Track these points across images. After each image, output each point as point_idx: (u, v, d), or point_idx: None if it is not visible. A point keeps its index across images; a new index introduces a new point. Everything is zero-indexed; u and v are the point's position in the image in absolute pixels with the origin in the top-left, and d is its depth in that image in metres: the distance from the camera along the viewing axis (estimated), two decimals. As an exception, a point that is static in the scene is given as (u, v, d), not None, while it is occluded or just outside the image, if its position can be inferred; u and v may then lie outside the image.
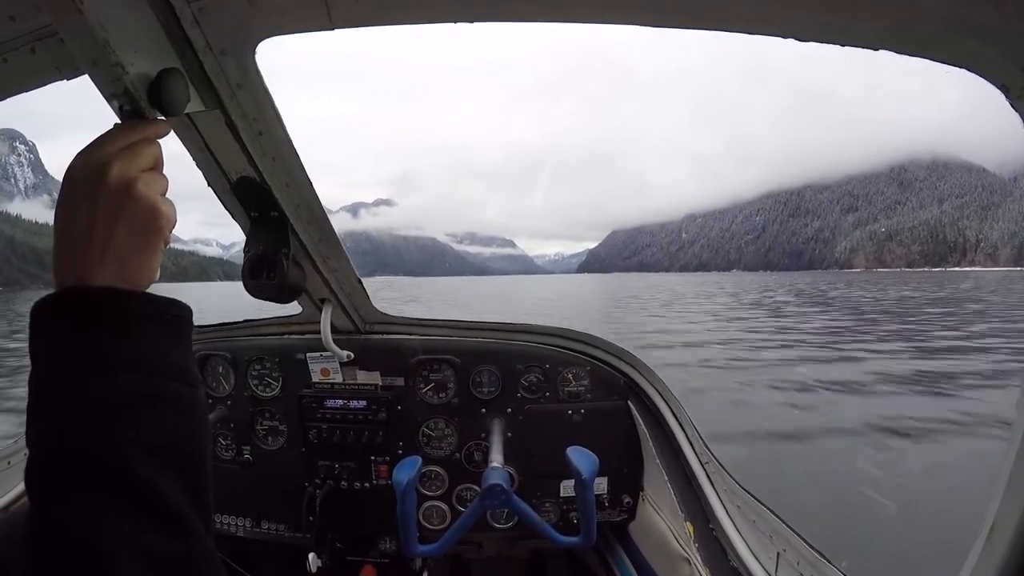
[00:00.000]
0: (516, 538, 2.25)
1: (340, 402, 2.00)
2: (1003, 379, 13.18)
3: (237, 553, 2.27)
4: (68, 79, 0.97)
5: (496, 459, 1.73)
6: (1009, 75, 0.70)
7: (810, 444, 8.29)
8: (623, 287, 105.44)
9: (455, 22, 0.85)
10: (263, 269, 1.37)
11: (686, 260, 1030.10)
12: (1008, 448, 0.74)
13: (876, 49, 0.76)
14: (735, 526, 1.53)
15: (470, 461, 2.01)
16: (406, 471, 1.55)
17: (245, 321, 2.25)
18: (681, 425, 1.87)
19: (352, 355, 1.96)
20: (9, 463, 1.74)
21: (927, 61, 0.76)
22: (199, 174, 1.24)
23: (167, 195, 0.68)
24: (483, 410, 1.99)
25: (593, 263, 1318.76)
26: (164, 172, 0.70)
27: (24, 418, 0.59)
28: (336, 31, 0.87)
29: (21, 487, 1.67)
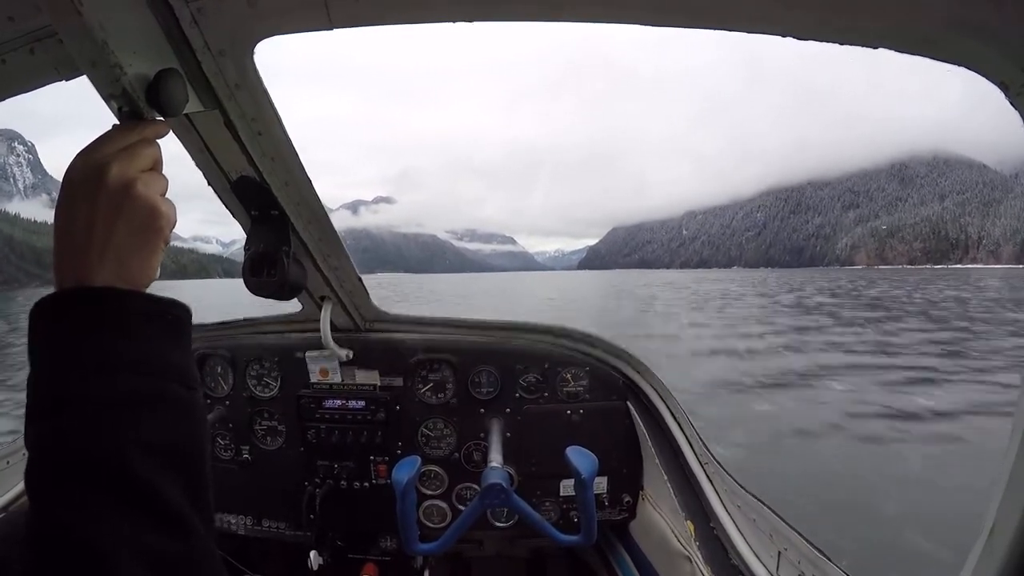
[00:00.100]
0: (517, 537, 2.26)
1: (339, 402, 2.00)
2: None
3: (238, 551, 2.28)
4: (67, 80, 0.97)
5: (495, 459, 1.73)
6: (1008, 73, 0.70)
7: None
8: (634, 284, 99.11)
9: (454, 21, 0.85)
10: (264, 267, 1.38)
11: (687, 257, 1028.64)
12: (1008, 448, 0.74)
13: (876, 48, 0.77)
14: (735, 525, 1.53)
15: (469, 461, 2.01)
16: (405, 470, 1.55)
17: (245, 320, 2.26)
18: (680, 425, 1.87)
19: (351, 354, 1.97)
20: (8, 463, 1.74)
21: (927, 60, 0.76)
22: (199, 173, 1.24)
23: (166, 195, 0.68)
24: (482, 410, 1.99)
25: (594, 260, 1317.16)
26: (163, 172, 0.70)
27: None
28: (335, 31, 0.87)
29: (21, 487, 1.67)
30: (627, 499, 2.02)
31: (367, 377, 2.01)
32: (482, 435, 1.99)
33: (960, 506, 4.51)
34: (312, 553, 1.97)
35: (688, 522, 1.62)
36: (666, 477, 1.77)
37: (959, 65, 0.74)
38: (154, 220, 0.65)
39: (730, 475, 1.60)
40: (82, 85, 0.83)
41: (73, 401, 0.57)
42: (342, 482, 2.03)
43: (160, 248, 0.67)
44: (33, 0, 0.82)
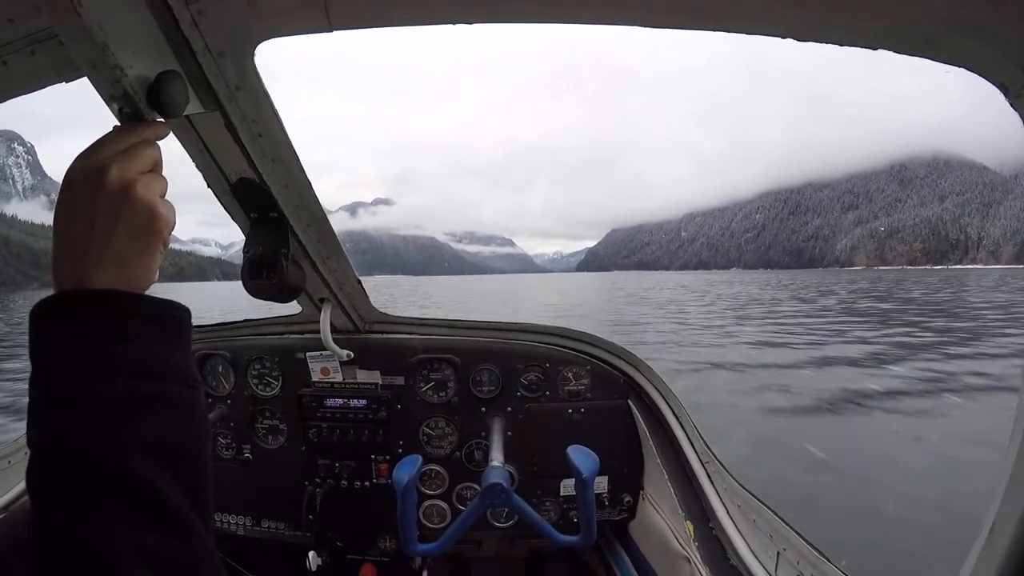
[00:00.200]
0: (516, 537, 2.26)
1: (340, 401, 2.01)
2: None
3: (237, 552, 2.28)
4: (67, 81, 0.97)
5: (496, 458, 1.73)
6: (1008, 74, 0.70)
7: None
8: (643, 287, 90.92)
9: (454, 23, 0.85)
10: (263, 269, 1.38)
11: (686, 258, 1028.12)
12: (1008, 448, 0.74)
13: (875, 49, 0.76)
14: (735, 525, 1.53)
15: (470, 460, 2.01)
16: (406, 470, 1.55)
17: (245, 321, 2.26)
18: (681, 424, 1.87)
19: (352, 354, 1.96)
20: (9, 462, 1.74)
21: (927, 61, 0.75)
22: (198, 174, 1.24)
23: (166, 197, 0.68)
24: (483, 409, 2.00)
25: (592, 262, 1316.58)
26: (163, 173, 0.70)
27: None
28: (334, 32, 0.87)
29: (21, 486, 1.68)
30: (627, 499, 2.02)
31: (368, 376, 2.02)
32: (483, 434, 1.99)
33: None
34: (311, 554, 1.97)
35: (687, 522, 1.62)
36: (667, 476, 1.77)
37: (959, 66, 0.73)
38: (153, 222, 0.65)
39: (731, 474, 1.60)
40: (82, 87, 0.83)
41: (73, 402, 0.57)
42: (343, 481, 2.03)
43: (159, 250, 0.67)
44: (33, 2, 0.82)
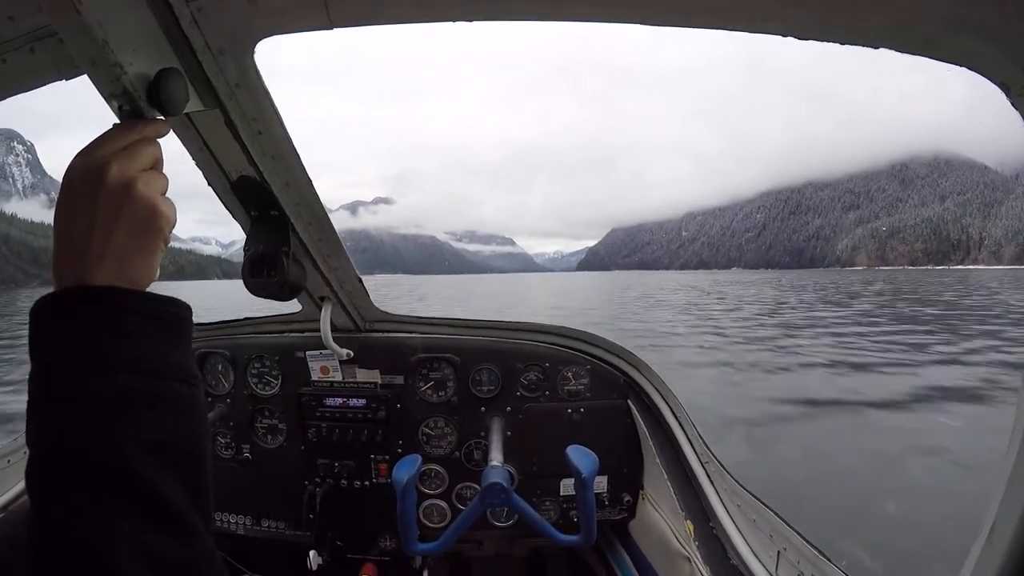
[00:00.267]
0: (516, 536, 2.26)
1: (340, 400, 2.01)
2: None
3: (237, 551, 2.28)
4: (67, 79, 0.97)
5: (496, 457, 1.73)
6: (1009, 74, 0.70)
7: None
8: (647, 286, 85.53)
9: (454, 21, 0.85)
10: (263, 267, 1.37)
11: (686, 258, 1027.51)
12: (1008, 448, 0.74)
13: (876, 47, 0.76)
14: (735, 525, 1.53)
15: (470, 460, 2.02)
16: (406, 469, 1.55)
17: (245, 319, 2.25)
18: (681, 424, 1.87)
19: (352, 353, 1.96)
20: (9, 461, 1.75)
21: (928, 60, 0.76)
22: (198, 172, 1.24)
23: (167, 194, 0.68)
24: (483, 409, 2.00)
25: (593, 261, 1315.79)
26: (164, 171, 0.70)
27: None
28: (334, 30, 0.87)
29: (21, 486, 1.67)
30: (627, 498, 2.02)
31: (368, 375, 2.01)
32: (483, 434, 1.99)
33: None
34: (311, 553, 1.97)
35: (687, 522, 1.62)
36: (666, 476, 1.77)
37: (960, 65, 0.73)
38: (154, 220, 0.65)
39: (731, 474, 1.60)
40: (81, 85, 0.83)
41: (73, 400, 0.57)
42: (342, 481, 2.03)
43: (160, 248, 0.67)
44: (33, 0, 0.81)
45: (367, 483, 2.04)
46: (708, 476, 1.71)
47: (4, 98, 1.04)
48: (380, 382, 2.02)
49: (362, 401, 2.00)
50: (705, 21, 0.81)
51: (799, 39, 0.79)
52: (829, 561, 1.14)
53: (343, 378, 2.02)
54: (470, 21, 0.85)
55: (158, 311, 0.64)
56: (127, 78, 0.70)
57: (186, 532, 0.58)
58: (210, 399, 2.10)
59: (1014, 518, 0.70)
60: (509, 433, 1.96)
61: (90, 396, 0.57)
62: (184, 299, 0.68)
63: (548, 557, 2.56)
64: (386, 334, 2.06)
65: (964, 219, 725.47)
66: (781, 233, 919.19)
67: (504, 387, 1.98)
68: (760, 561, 1.39)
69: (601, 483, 1.98)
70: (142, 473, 0.56)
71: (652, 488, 1.93)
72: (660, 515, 1.82)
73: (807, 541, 1.23)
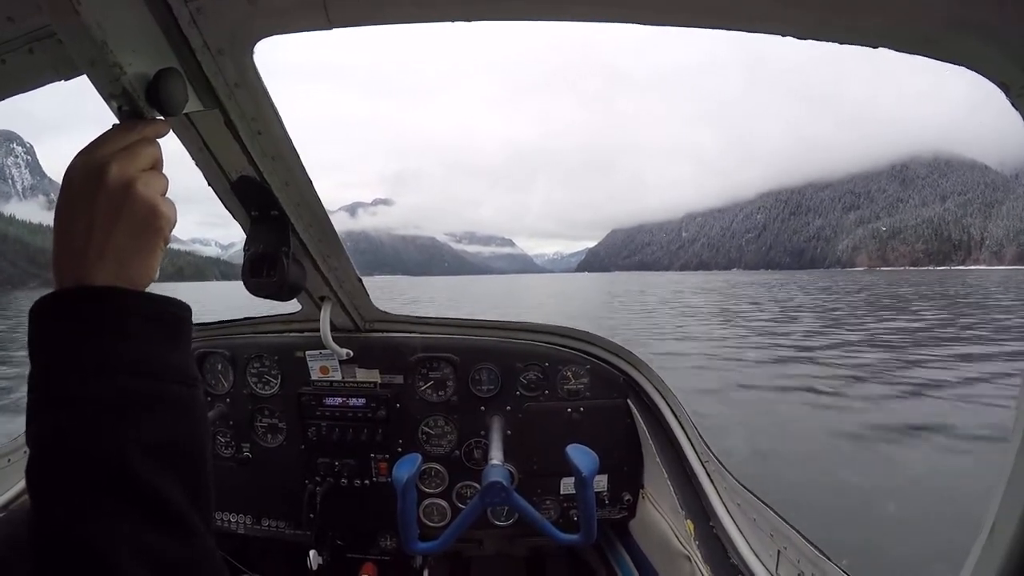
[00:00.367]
0: (516, 536, 2.26)
1: (339, 400, 2.01)
2: None
3: (238, 551, 2.28)
4: (66, 79, 0.97)
5: (496, 456, 1.73)
6: (1009, 74, 0.70)
7: None
8: (655, 287, 79.37)
9: (453, 21, 0.85)
10: (263, 267, 1.37)
11: (687, 259, 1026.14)
12: (1008, 448, 0.74)
13: (876, 47, 0.76)
14: (735, 524, 1.53)
15: (470, 459, 2.02)
16: (406, 468, 1.55)
17: (244, 319, 2.25)
18: (680, 423, 1.87)
19: (351, 353, 1.96)
20: (9, 460, 1.75)
21: (928, 60, 0.76)
22: (197, 174, 1.24)
23: (167, 195, 0.68)
24: (482, 408, 2.00)
25: (593, 262, 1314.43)
26: (163, 172, 0.70)
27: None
28: (333, 30, 0.87)
29: (21, 485, 1.68)
30: (627, 497, 2.02)
31: (368, 375, 2.02)
32: (483, 433, 1.99)
33: None
34: (311, 552, 1.97)
35: (688, 521, 1.62)
36: (666, 475, 1.77)
37: (959, 65, 0.73)
38: (154, 220, 0.65)
39: (731, 473, 1.60)
40: (80, 87, 0.83)
41: (73, 402, 0.57)
42: (343, 480, 2.03)
43: (160, 248, 0.67)
44: (33, 0, 0.82)
45: (367, 482, 2.04)
46: (708, 475, 1.71)
47: (3, 98, 1.04)
48: (380, 382, 2.02)
49: (362, 400, 2.00)
50: (704, 21, 0.81)
51: (798, 39, 0.79)
52: (829, 560, 1.14)
53: (343, 378, 2.02)
54: (469, 21, 0.85)
55: (157, 312, 0.64)
56: (126, 78, 0.70)
57: (186, 532, 0.59)
58: (209, 399, 2.10)
59: (1014, 518, 0.70)
60: (509, 432, 1.96)
61: (90, 398, 0.57)
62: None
63: (548, 556, 2.56)
64: (386, 334, 2.06)
65: (965, 219, 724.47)
66: (781, 234, 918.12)
67: (504, 386, 1.98)
68: (760, 560, 1.39)
69: (601, 482, 1.98)
70: (142, 475, 0.57)
71: (652, 487, 1.93)
72: (660, 514, 1.83)
73: (807, 540, 1.22)
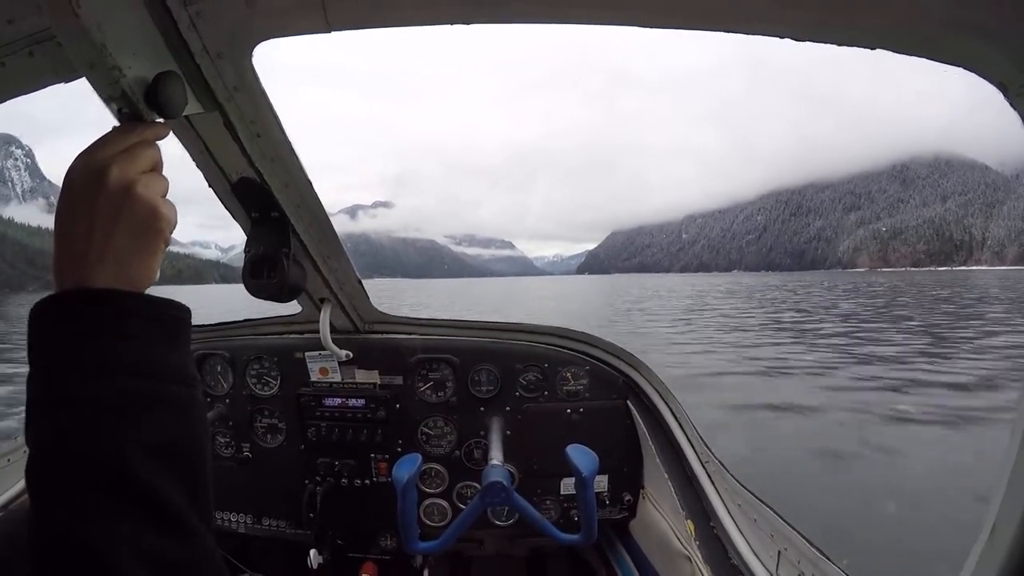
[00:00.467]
0: (517, 536, 2.26)
1: (339, 401, 2.01)
2: None
3: (238, 550, 2.28)
4: (66, 82, 0.97)
5: (496, 457, 1.73)
6: (1008, 74, 0.70)
7: None
8: (687, 293, 70.77)
9: (452, 24, 0.85)
10: (264, 269, 1.38)
11: (687, 261, 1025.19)
12: (1008, 448, 0.74)
13: (874, 49, 0.77)
14: (736, 524, 1.54)
15: (470, 459, 2.02)
16: (406, 468, 1.55)
17: (244, 320, 2.25)
18: (680, 425, 1.87)
19: (351, 354, 1.97)
20: (9, 460, 1.75)
21: (926, 61, 0.76)
22: (197, 176, 1.24)
23: (167, 196, 0.68)
24: (482, 409, 2.00)
25: (593, 264, 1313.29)
26: (165, 175, 0.70)
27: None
28: (332, 33, 0.87)
29: (21, 485, 1.67)
30: (627, 498, 2.02)
31: (367, 376, 2.02)
32: (482, 433, 2.00)
33: None
34: (312, 552, 1.98)
35: (688, 521, 1.62)
36: (667, 476, 1.77)
37: (958, 66, 0.73)
38: (154, 221, 0.65)
39: (731, 474, 1.60)
40: (80, 90, 0.83)
41: (73, 403, 0.57)
42: (343, 480, 2.04)
43: (160, 249, 0.67)
44: (32, 2, 0.82)
45: (367, 482, 2.05)
46: (708, 476, 1.72)
47: (3, 101, 1.04)
48: (379, 383, 2.02)
49: (361, 401, 2.01)
50: (703, 23, 0.81)
51: (797, 41, 0.79)
52: (830, 561, 1.14)
53: (342, 379, 2.03)
54: (469, 24, 0.85)
55: (157, 313, 0.64)
56: (126, 81, 0.70)
57: (186, 533, 0.59)
58: (209, 400, 2.11)
59: (1014, 518, 0.70)
60: (508, 433, 1.96)
61: (89, 399, 0.57)
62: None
63: (549, 556, 2.57)
64: (385, 335, 2.06)
65: (966, 220, 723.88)
66: (782, 235, 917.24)
67: (503, 387, 1.99)
68: (761, 561, 1.39)
69: (601, 482, 1.99)
70: (142, 475, 0.57)
71: (653, 488, 1.94)
72: (661, 514, 1.83)
73: (808, 541, 1.22)
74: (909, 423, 9.66)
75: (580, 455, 1.54)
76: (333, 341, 1.90)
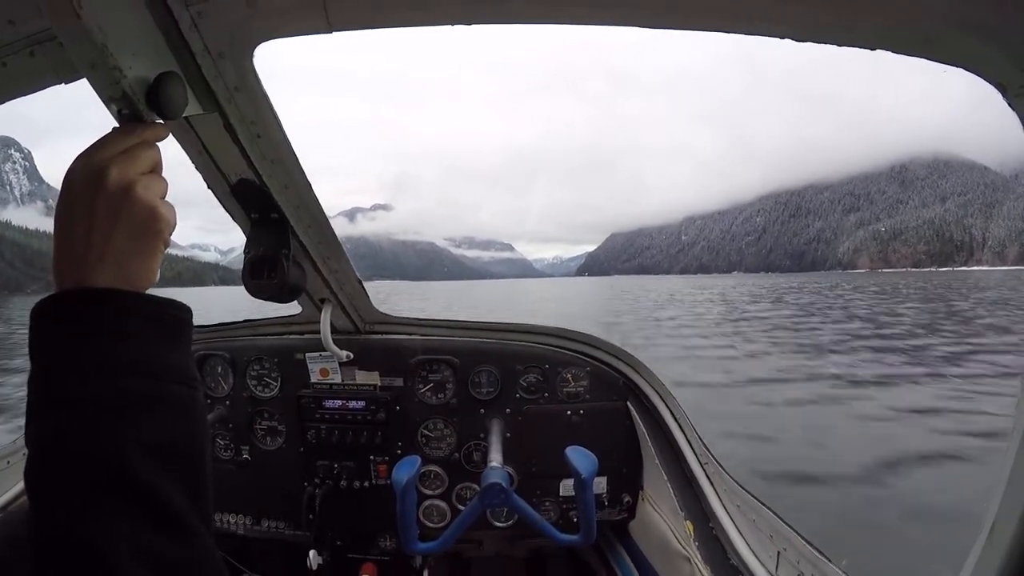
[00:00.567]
0: (516, 537, 2.26)
1: (339, 403, 2.01)
2: None
3: (238, 551, 2.28)
4: (66, 83, 0.97)
5: (495, 458, 1.73)
6: (1007, 74, 0.69)
7: None
8: (707, 297, 60.52)
9: (453, 24, 0.85)
10: (264, 269, 1.38)
11: (686, 262, 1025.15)
12: (1008, 448, 0.74)
13: (874, 49, 0.76)
14: (735, 525, 1.54)
15: (469, 461, 2.02)
16: (405, 470, 1.56)
17: (245, 321, 2.25)
18: (680, 425, 1.87)
19: (351, 355, 1.97)
20: (8, 462, 1.75)
21: (926, 61, 0.75)
22: (197, 179, 1.24)
23: (167, 198, 0.68)
24: (482, 410, 2.00)
25: (592, 266, 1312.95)
26: (165, 177, 0.70)
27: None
28: (334, 34, 0.87)
29: (20, 486, 1.67)
30: (627, 499, 2.02)
31: (367, 377, 2.02)
32: (482, 435, 1.99)
33: None
34: (311, 553, 1.98)
35: (687, 522, 1.62)
36: (666, 477, 1.77)
37: (958, 66, 0.73)
38: (154, 222, 0.65)
39: (730, 475, 1.60)
40: (80, 93, 0.83)
41: (73, 402, 0.57)
42: (342, 482, 2.03)
43: (160, 250, 0.67)
44: (33, 3, 0.81)
45: (367, 484, 2.04)
46: (708, 477, 1.72)
47: (4, 101, 1.04)
48: (379, 384, 2.02)
49: (361, 403, 2.00)
50: (703, 23, 0.81)
51: (797, 41, 0.79)
52: (829, 561, 1.14)
53: (342, 380, 2.03)
54: (469, 24, 0.85)
55: (157, 313, 0.64)
56: (126, 82, 0.70)
57: (186, 533, 0.58)
58: (209, 401, 2.10)
59: (1014, 518, 0.70)
60: (508, 434, 1.96)
61: (89, 399, 0.57)
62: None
63: (548, 557, 2.57)
64: (386, 336, 2.06)
65: (966, 220, 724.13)
66: (782, 236, 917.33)
67: (503, 389, 1.98)
68: (760, 561, 1.39)
69: (601, 484, 1.98)
70: (142, 475, 0.57)
71: (652, 489, 1.93)
72: (660, 515, 1.83)
73: (807, 541, 1.22)
74: None
75: (579, 457, 1.55)
76: (334, 341, 1.90)
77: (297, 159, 1.21)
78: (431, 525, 2.06)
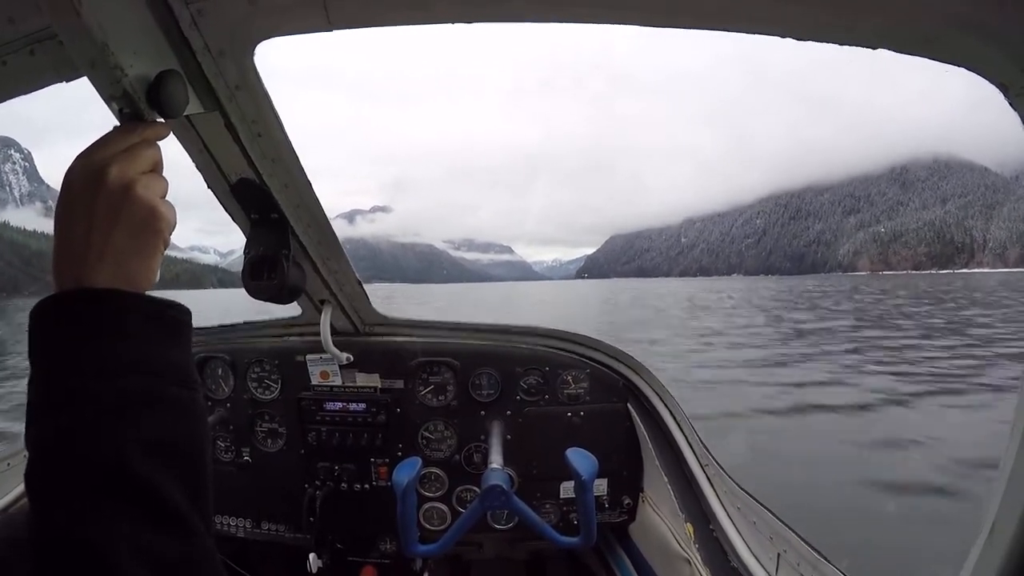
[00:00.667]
0: (516, 539, 2.26)
1: (339, 405, 2.01)
2: None
3: (238, 554, 2.28)
4: (67, 81, 0.97)
5: (496, 460, 1.73)
6: (1008, 74, 0.69)
7: None
8: (708, 299, 59.74)
9: (453, 23, 0.84)
10: (263, 270, 1.37)
11: (686, 265, 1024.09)
12: (1008, 448, 0.74)
13: (875, 48, 0.76)
14: (735, 527, 1.53)
15: (469, 463, 2.02)
16: (406, 472, 1.56)
17: (245, 323, 2.25)
18: (680, 427, 1.87)
19: (351, 357, 1.96)
20: (8, 464, 1.74)
21: (926, 61, 0.75)
22: (197, 180, 1.24)
23: (167, 197, 0.68)
24: (482, 412, 2.00)
25: (592, 268, 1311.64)
26: (163, 175, 0.70)
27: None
28: (334, 33, 0.87)
29: (21, 488, 1.66)
30: (627, 501, 2.02)
31: (368, 379, 2.02)
32: (482, 437, 1.99)
33: None
34: (311, 556, 1.98)
35: (688, 524, 1.62)
36: (666, 479, 1.76)
37: (959, 65, 0.73)
38: (154, 222, 0.65)
39: (730, 477, 1.59)
40: (80, 94, 0.76)
41: (73, 402, 0.57)
42: (343, 484, 2.03)
43: (160, 250, 0.67)
44: (33, 1, 0.81)
45: (367, 486, 2.04)
46: (708, 479, 1.71)
47: (4, 100, 1.04)
48: (380, 386, 2.02)
49: (362, 406, 2.00)
50: (704, 22, 0.81)
51: (798, 40, 0.79)
52: (829, 563, 1.14)
53: (343, 382, 2.02)
54: (470, 23, 0.84)
55: (157, 313, 0.64)
56: (127, 80, 0.70)
57: (186, 532, 0.58)
58: (210, 403, 2.10)
59: (1014, 518, 0.70)
60: (509, 437, 1.96)
61: (89, 399, 0.57)
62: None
63: (548, 559, 2.56)
64: (386, 338, 2.06)
65: (967, 222, 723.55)
66: (781, 238, 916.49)
67: (504, 391, 1.98)
68: (760, 563, 1.39)
69: (601, 486, 1.98)
70: (142, 474, 0.56)
71: (652, 491, 1.93)
72: (660, 517, 1.82)
73: (807, 543, 1.22)
74: None
75: (580, 459, 1.55)
76: (334, 343, 1.90)
77: (297, 158, 1.20)
78: (431, 527, 2.05)
